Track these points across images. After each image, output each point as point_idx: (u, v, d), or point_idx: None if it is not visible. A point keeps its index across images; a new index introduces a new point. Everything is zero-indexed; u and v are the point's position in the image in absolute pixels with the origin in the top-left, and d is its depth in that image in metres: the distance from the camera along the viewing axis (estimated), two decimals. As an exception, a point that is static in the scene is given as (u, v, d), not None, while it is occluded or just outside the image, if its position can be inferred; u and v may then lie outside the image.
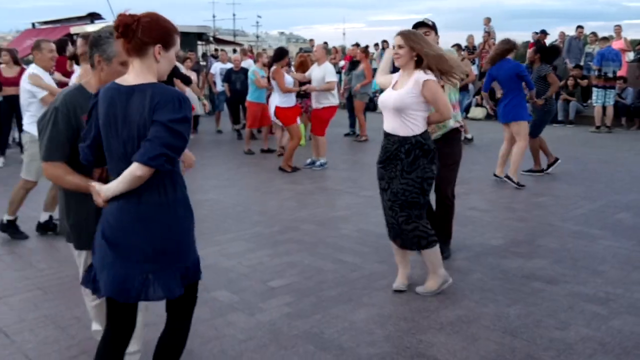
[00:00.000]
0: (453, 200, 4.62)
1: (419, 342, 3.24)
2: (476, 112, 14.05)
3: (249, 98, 9.69)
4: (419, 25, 4.36)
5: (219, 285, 4.06)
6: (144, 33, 2.12)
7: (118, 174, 2.15)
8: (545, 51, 8.22)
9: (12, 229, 5.33)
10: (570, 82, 13.35)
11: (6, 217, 5.36)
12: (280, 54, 8.57)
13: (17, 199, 5.39)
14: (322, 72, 8.21)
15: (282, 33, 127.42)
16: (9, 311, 3.72)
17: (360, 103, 11.29)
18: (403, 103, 3.71)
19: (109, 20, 16.43)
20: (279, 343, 3.25)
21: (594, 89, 12.13)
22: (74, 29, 17.20)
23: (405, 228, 3.79)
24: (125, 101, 2.13)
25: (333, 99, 8.38)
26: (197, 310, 3.56)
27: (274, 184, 7.52)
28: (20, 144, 9.50)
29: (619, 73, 12.27)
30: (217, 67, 13.15)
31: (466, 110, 13.81)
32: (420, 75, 3.69)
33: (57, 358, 3.10)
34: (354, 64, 11.76)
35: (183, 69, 10.38)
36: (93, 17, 18.22)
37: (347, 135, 11.95)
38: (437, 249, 3.86)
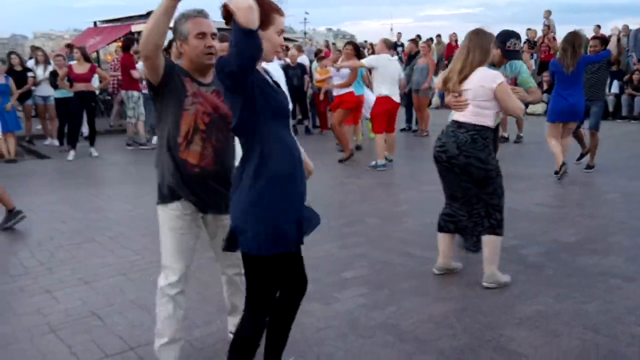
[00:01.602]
0: None
1: (500, 336, 3.24)
2: (535, 107, 13.74)
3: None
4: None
5: (293, 276, 4.14)
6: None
7: None
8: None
9: None
10: (635, 76, 12.90)
11: None
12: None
13: None
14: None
15: (329, 29, 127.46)
16: (96, 295, 3.92)
17: (425, 99, 11.22)
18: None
19: (168, 18, 16.88)
20: (358, 332, 3.31)
21: (661, 84, 11.69)
22: (135, 27, 17.70)
23: (493, 212, 3.96)
24: None
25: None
26: (273, 299, 3.71)
27: (337, 177, 7.58)
28: (87, 138, 9.92)
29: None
30: (275, 62, 13.29)
31: (525, 106, 13.51)
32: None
33: (148, 339, 3.24)
34: (412, 57, 11.70)
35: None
36: (152, 15, 18.69)
37: (403, 130, 11.90)
38: None
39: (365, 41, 18.86)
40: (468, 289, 3.91)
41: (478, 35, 3.81)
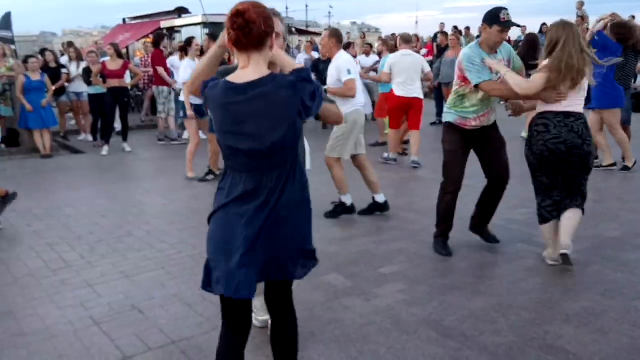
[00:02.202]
0: None
1: (546, 333, 3.16)
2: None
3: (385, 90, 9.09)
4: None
5: (329, 270, 4.11)
6: (265, 24, 2.09)
7: None
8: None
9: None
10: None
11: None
12: None
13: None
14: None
15: (354, 23, 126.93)
16: (137, 289, 3.95)
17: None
18: None
19: (196, 14, 16.98)
20: (401, 328, 3.27)
21: None
22: (163, 23, 17.87)
23: (585, 190, 4.06)
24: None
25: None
26: (311, 294, 3.70)
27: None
28: (120, 133, 10.03)
29: None
30: (301, 58, 13.29)
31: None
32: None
33: (190, 333, 3.26)
34: (442, 50, 11.55)
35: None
36: (181, 11, 18.83)
37: (433, 124, 11.76)
38: None
39: (394, 34, 18.54)
40: (511, 284, 3.84)
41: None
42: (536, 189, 4.16)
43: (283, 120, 2.10)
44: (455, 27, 16.65)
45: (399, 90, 7.81)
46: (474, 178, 4.86)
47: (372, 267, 4.21)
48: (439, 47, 12.58)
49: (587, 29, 15.14)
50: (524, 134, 9.45)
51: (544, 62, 3.93)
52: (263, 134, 2.10)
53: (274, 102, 2.08)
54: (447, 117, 4.39)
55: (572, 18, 15.90)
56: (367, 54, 12.18)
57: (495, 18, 4.07)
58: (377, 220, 5.36)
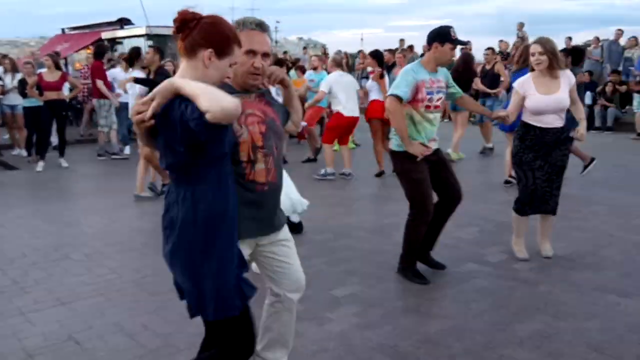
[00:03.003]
0: None
1: (500, 357, 3.12)
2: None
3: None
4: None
5: (282, 294, 3.97)
6: (199, 33, 2.03)
7: None
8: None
9: None
10: (608, 87, 13.11)
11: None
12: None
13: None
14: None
15: (300, 38, 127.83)
16: (74, 317, 3.68)
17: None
18: (567, 102, 4.40)
19: (139, 26, 16.57)
20: (355, 355, 3.16)
21: (635, 95, 11.89)
22: (105, 34, 17.37)
23: (556, 194, 4.54)
24: None
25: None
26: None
27: (318, 190, 7.44)
28: (57, 148, 9.58)
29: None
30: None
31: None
32: (570, 75, 4.44)
33: (132, 367, 3.05)
34: (390, 68, 11.66)
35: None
36: (123, 22, 18.36)
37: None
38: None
39: (339, 51, 18.57)
40: (463, 306, 3.80)
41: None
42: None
43: None
44: (402, 40, 16.90)
45: (346, 111, 7.96)
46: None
47: (324, 289, 4.09)
48: (386, 65, 12.67)
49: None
50: (452, 156, 9.49)
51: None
52: None
53: None
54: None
55: (512, 39, 16.45)
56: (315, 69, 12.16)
57: (447, 35, 4.08)
58: (327, 240, 5.26)
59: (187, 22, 2.04)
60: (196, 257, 2.05)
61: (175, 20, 2.05)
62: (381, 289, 4.12)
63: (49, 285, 4.24)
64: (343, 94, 7.90)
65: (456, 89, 4.36)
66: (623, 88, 13.08)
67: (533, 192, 4.51)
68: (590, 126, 13.17)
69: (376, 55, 8.64)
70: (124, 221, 6.04)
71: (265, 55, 2.37)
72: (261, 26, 2.37)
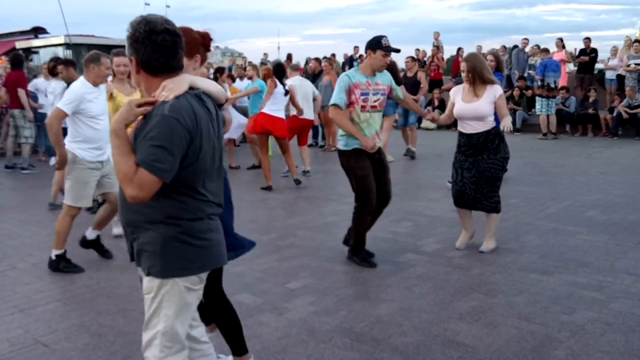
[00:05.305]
0: None
1: (445, 330, 3.51)
2: (428, 122, 14.56)
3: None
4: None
5: (239, 289, 4.19)
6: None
7: None
8: None
9: (64, 263, 4.75)
10: (516, 92, 14.15)
11: (55, 253, 4.76)
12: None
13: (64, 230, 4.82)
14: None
15: (216, 47, 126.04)
16: (36, 322, 3.73)
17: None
18: (483, 111, 4.80)
19: (55, 35, 16.03)
20: (316, 338, 3.44)
21: (538, 99, 12.92)
22: (19, 44, 16.67)
23: (490, 196, 4.90)
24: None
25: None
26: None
27: (256, 194, 7.66)
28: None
29: (560, 83, 13.13)
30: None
31: (419, 121, 14.27)
32: (497, 89, 4.84)
33: (107, 362, 3.17)
34: (316, 75, 12.07)
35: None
36: (37, 31, 17.71)
37: (310, 146, 12.16)
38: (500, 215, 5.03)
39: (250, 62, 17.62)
40: (407, 290, 4.18)
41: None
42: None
43: None
44: (331, 56, 17.32)
45: (298, 114, 8.55)
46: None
47: (279, 283, 4.35)
48: (313, 73, 13.08)
49: (442, 57, 16.70)
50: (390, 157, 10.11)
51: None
52: None
53: None
54: (351, 143, 4.61)
55: (427, 46, 17.33)
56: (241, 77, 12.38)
57: (378, 44, 4.55)
58: (274, 240, 5.51)
59: None
60: None
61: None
62: (332, 280, 4.42)
63: (2, 294, 4.22)
64: (300, 97, 8.52)
65: (398, 92, 4.86)
66: (529, 92, 14.16)
67: (462, 190, 4.96)
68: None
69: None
70: (65, 231, 5.99)
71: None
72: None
